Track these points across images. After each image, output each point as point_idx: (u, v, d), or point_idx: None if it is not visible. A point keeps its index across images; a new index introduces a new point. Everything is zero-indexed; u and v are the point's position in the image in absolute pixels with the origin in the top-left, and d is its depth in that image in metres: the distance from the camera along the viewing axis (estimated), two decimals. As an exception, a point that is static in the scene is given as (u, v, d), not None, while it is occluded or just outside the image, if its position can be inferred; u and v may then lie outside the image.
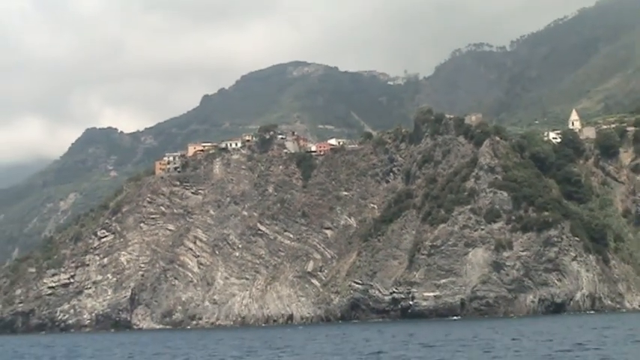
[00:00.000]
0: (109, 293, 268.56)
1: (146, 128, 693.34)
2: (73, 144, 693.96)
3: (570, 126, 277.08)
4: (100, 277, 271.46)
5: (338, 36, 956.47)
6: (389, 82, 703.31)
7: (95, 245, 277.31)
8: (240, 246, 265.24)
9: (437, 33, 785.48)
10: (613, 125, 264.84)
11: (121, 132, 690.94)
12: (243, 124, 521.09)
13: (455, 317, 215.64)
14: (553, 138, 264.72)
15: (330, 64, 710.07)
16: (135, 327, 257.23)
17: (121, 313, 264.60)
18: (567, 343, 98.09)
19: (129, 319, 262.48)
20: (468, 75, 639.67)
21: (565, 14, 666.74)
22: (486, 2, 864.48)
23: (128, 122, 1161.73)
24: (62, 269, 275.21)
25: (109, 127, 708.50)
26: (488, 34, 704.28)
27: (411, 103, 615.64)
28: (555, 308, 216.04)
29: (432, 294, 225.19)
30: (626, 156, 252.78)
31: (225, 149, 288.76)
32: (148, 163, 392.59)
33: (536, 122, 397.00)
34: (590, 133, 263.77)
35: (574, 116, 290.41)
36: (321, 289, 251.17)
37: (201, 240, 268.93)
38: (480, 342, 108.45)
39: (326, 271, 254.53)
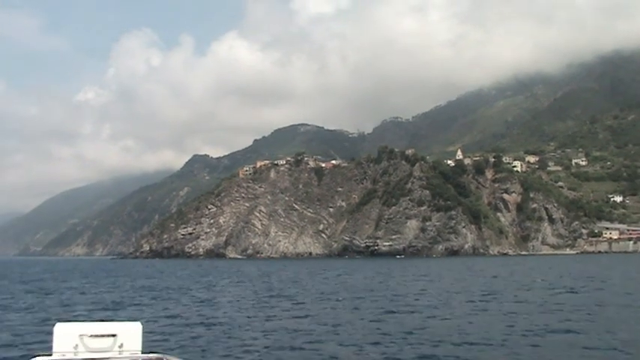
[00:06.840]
0: (213, 239, 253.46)
1: (224, 155, 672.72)
2: (186, 162, 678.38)
3: (457, 157, 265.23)
4: (208, 230, 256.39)
5: (324, 110, 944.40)
6: (349, 135, 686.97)
7: (206, 213, 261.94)
8: (284, 215, 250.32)
9: (375, 110, 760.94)
10: (481, 157, 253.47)
11: (211, 157, 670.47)
12: (275, 154, 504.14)
13: (399, 256, 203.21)
14: (450, 163, 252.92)
15: (319, 125, 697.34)
16: (227, 257, 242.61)
17: (220, 249, 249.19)
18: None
19: (224, 252, 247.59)
20: (390, 133, 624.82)
21: (440, 103, 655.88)
22: (398, 95, 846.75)
23: (215, 152, 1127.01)
24: (189, 225, 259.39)
25: (205, 154, 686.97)
26: (400, 111, 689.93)
27: (361, 147, 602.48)
28: (454, 253, 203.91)
29: (387, 243, 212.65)
30: (489, 174, 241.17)
31: (276, 164, 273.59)
32: (226, 173, 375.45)
33: (427, 157, 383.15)
34: (468, 161, 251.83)
35: (459, 152, 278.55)
36: (327, 239, 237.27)
37: (263, 212, 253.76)
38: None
39: (329, 230, 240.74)
